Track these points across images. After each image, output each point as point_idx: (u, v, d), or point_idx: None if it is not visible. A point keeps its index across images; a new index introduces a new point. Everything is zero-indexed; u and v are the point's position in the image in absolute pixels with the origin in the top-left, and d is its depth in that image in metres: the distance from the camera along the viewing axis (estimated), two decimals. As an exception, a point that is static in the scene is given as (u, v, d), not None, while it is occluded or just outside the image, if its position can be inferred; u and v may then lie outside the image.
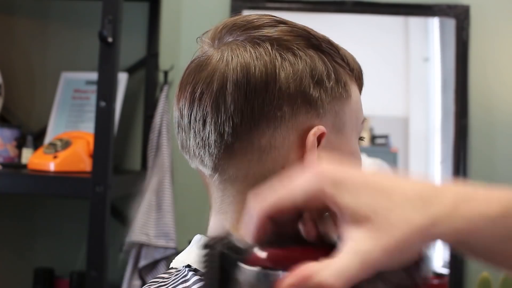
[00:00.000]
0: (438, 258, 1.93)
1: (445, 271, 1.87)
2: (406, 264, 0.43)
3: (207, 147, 0.57)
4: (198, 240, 0.61)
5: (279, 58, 0.56)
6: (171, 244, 1.70)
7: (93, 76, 1.56)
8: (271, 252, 0.43)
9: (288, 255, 0.43)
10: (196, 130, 0.58)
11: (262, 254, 0.43)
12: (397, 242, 0.41)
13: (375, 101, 1.83)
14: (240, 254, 0.43)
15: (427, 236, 0.41)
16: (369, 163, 1.99)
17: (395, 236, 0.41)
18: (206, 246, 0.44)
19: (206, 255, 0.43)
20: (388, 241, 0.40)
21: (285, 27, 0.58)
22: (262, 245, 0.44)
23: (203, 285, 0.48)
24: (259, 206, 0.44)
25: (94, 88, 1.68)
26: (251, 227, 0.44)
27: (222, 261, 0.42)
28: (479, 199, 0.42)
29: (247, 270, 0.42)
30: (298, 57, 0.57)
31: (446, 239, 0.42)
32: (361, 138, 0.65)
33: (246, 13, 1.77)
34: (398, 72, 2.00)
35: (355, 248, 0.40)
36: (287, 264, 0.41)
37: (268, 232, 0.44)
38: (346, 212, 0.41)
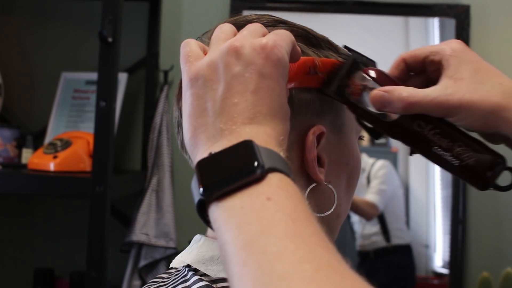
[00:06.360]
0: (438, 258, 1.93)
1: (445, 271, 1.87)
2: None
3: (207, 147, 0.57)
4: (198, 240, 0.60)
5: (278, 58, 0.56)
6: (171, 244, 1.70)
7: (93, 76, 1.56)
8: (384, 74, 0.56)
9: (392, 81, 0.56)
10: (196, 130, 0.58)
11: (377, 71, 0.56)
12: (471, 101, 0.51)
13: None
14: (364, 64, 0.57)
15: (497, 114, 0.51)
16: (378, 165, 1.99)
17: (473, 96, 0.51)
18: (346, 47, 0.60)
19: (347, 55, 0.58)
20: (465, 97, 0.51)
21: (285, 27, 0.58)
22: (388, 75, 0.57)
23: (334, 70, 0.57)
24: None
25: (94, 88, 1.68)
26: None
27: (352, 59, 0.57)
28: None
29: (360, 73, 0.56)
30: None
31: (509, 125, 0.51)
32: (360, 138, 0.65)
33: (246, 13, 1.77)
34: (398, 72, 2.00)
35: (438, 89, 0.52)
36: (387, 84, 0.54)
37: (398, 70, 0.57)
38: (449, 68, 0.53)
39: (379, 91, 0.53)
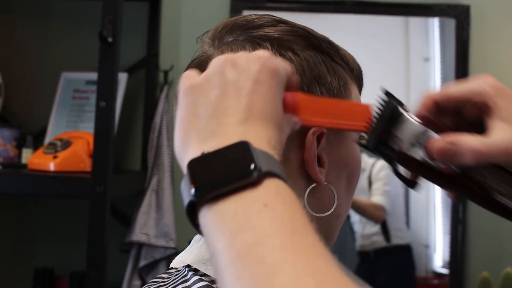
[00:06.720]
0: (438, 258, 1.93)
1: (445, 271, 1.87)
2: None
3: (207, 147, 0.57)
4: (198, 240, 0.60)
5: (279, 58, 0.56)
6: (171, 244, 1.70)
7: (93, 76, 1.56)
8: (428, 118, 0.53)
9: (443, 125, 0.53)
10: (196, 129, 0.58)
11: (420, 116, 0.53)
12: None
13: (375, 101, 1.83)
14: (404, 109, 0.54)
15: None
16: (379, 166, 1.99)
17: None
18: (386, 93, 0.55)
19: (382, 99, 0.54)
20: None
21: (285, 27, 0.58)
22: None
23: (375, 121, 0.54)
24: (431, 91, 0.55)
25: (94, 88, 1.68)
26: (418, 103, 0.55)
27: (393, 107, 0.54)
28: None
29: (409, 120, 0.53)
30: (298, 57, 0.57)
31: None
32: (361, 138, 0.65)
33: (246, 13, 1.77)
34: (398, 72, 2.00)
35: (499, 135, 0.50)
36: (441, 130, 0.52)
37: (428, 111, 0.54)
38: (499, 110, 0.51)
39: (443, 142, 0.50)
